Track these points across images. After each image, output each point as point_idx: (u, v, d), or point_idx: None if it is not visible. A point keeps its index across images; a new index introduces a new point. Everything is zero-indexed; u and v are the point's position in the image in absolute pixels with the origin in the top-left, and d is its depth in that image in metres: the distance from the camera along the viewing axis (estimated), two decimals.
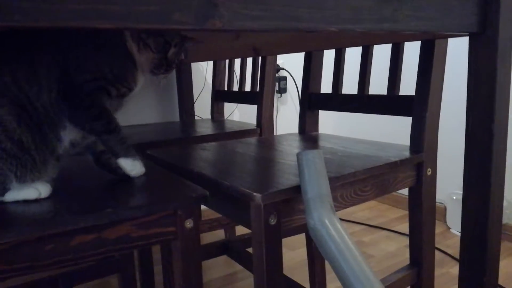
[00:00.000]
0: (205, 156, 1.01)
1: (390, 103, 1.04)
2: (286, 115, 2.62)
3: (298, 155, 0.72)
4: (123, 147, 0.73)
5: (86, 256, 0.62)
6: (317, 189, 0.68)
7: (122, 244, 0.64)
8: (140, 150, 1.17)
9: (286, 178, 0.78)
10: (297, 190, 0.73)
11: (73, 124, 0.71)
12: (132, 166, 0.75)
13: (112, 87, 0.73)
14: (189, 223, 0.68)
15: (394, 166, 0.89)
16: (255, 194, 0.69)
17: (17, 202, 0.66)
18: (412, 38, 0.97)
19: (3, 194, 0.65)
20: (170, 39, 0.74)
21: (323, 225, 0.65)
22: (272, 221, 0.71)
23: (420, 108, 0.94)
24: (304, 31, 0.56)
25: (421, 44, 0.95)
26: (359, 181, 0.85)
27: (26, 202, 0.66)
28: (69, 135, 0.72)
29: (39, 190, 0.67)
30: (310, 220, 0.67)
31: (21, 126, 0.64)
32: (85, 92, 0.70)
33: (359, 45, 1.11)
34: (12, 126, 0.64)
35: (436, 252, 1.64)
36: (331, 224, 0.65)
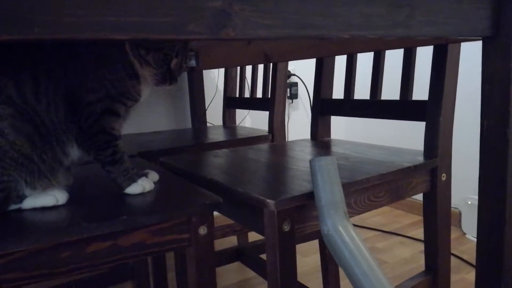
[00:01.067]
0: (217, 163, 1.02)
1: (403, 108, 1.03)
2: (298, 121, 2.62)
3: (311, 161, 0.71)
4: (126, 177, 0.73)
5: (102, 263, 0.63)
6: (331, 195, 0.68)
7: (137, 251, 0.65)
8: (153, 157, 1.18)
9: (299, 185, 0.78)
10: (310, 196, 0.72)
11: (79, 147, 0.72)
12: (139, 189, 0.74)
13: (118, 103, 0.72)
14: (203, 230, 0.69)
15: (408, 172, 0.88)
16: (268, 200, 0.70)
17: (33, 210, 0.67)
18: (425, 43, 0.97)
19: (21, 201, 0.66)
20: (169, 51, 0.72)
21: (336, 232, 0.65)
22: (286, 228, 0.71)
23: (434, 112, 0.93)
24: (316, 38, 0.56)
25: (433, 48, 0.94)
26: (373, 187, 0.84)
27: (42, 210, 0.67)
28: (77, 152, 0.73)
29: (56, 197, 0.68)
30: (324, 227, 0.67)
31: (25, 138, 0.65)
32: (92, 116, 0.70)
33: (371, 51, 1.11)
34: (13, 138, 0.64)
35: (452, 258, 1.62)
36: (345, 231, 0.65)
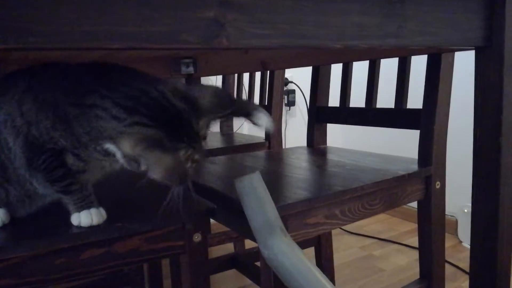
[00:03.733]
0: (213, 170, 1.02)
1: (397, 116, 1.04)
2: (295, 128, 2.63)
3: (235, 182, 0.66)
4: (78, 205, 0.63)
5: (96, 270, 0.63)
6: (262, 216, 0.64)
7: (131, 258, 0.65)
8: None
9: (294, 192, 0.78)
10: (306, 203, 0.73)
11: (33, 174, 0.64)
12: (85, 219, 0.63)
13: (72, 155, 0.62)
14: (197, 237, 0.69)
15: (403, 180, 0.89)
16: None
17: (30, 216, 0.67)
18: (419, 52, 0.98)
19: None
20: None
21: (277, 254, 0.62)
22: None
23: (428, 121, 0.94)
24: (309, 48, 0.57)
25: (427, 57, 0.95)
26: (367, 194, 0.85)
27: (37, 216, 0.67)
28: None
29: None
30: (263, 250, 0.63)
31: None
32: (44, 163, 0.62)
33: (366, 59, 1.12)
34: None
35: (448, 266, 1.62)
36: (286, 250, 0.62)
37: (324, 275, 0.60)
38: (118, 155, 0.59)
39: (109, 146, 0.58)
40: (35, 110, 0.59)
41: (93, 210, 0.63)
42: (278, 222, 0.64)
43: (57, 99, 0.59)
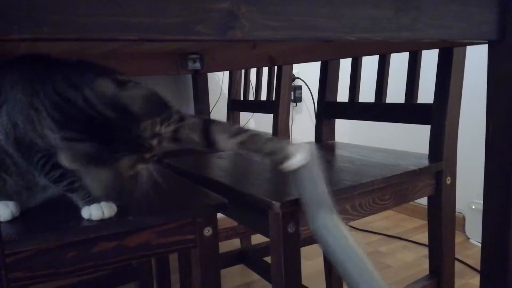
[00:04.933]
0: (222, 165, 1.02)
1: (408, 112, 1.03)
2: (302, 124, 2.62)
3: (292, 149, 0.65)
4: (86, 200, 0.63)
5: (107, 263, 0.63)
6: (316, 190, 0.64)
7: (142, 252, 0.65)
8: (158, 159, 1.18)
9: None
10: None
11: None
12: (96, 212, 0.62)
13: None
14: (208, 231, 0.69)
15: (413, 175, 0.88)
16: (273, 202, 0.70)
17: (41, 210, 0.67)
18: (430, 46, 0.97)
19: None
20: None
21: (323, 230, 0.64)
22: (291, 229, 0.71)
23: (439, 116, 0.93)
24: (322, 40, 0.56)
25: (439, 51, 0.95)
26: (378, 189, 0.84)
27: (48, 209, 0.67)
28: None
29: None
30: (311, 223, 0.65)
31: None
32: (39, 162, 0.62)
33: (376, 54, 1.11)
34: None
35: (456, 262, 1.62)
36: (331, 228, 0.63)
37: (366, 256, 0.62)
38: None
39: None
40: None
41: (103, 204, 0.63)
42: (329, 200, 0.65)
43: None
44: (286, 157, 0.63)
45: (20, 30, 0.38)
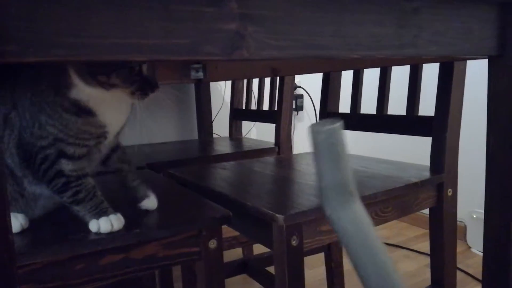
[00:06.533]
0: (225, 176, 1.03)
1: (409, 123, 1.04)
2: (303, 132, 2.64)
3: (311, 129, 0.57)
4: (93, 213, 0.65)
5: (114, 275, 0.64)
6: (334, 175, 0.57)
7: (148, 264, 0.66)
8: (161, 169, 1.20)
9: (307, 199, 0.79)
10: (319, 211, 0.73)
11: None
12: (105, 225, 0.64)
13: (74, 145, 0.65)
14: (212, 244, 0.70)
15: (415, 187, 0.89)
16: (277, 215, 0.71)
17: (50, 223, 0.68)
18: (431, 61, 0.98)
19: None
20: (132, 63, 0.64)
21: (340, 218, 0.57)
22: (294, 242, 0.72)
23: (440, 128, 0.94)
24: (327, 58, 0.58)
25: (440, 64, 0.96)
26: (380, 202, 0.85)
27: (59, 223, 0.68)
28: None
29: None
30: (326, 209, 0.58)
31: None
32: (46, 162, 0.64)
33: (377, 67, 1.13)
34: None
35: (457, 272, 1.62)
36: (349, 217, 0.57)
37: (384, 249, 0.57)
38: None
39: None
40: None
41: (112, 217, 0.64)
42: (350, 185, 0.58)
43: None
44: (142, 198, 0.75)
45: (36, 52, 0.39)
